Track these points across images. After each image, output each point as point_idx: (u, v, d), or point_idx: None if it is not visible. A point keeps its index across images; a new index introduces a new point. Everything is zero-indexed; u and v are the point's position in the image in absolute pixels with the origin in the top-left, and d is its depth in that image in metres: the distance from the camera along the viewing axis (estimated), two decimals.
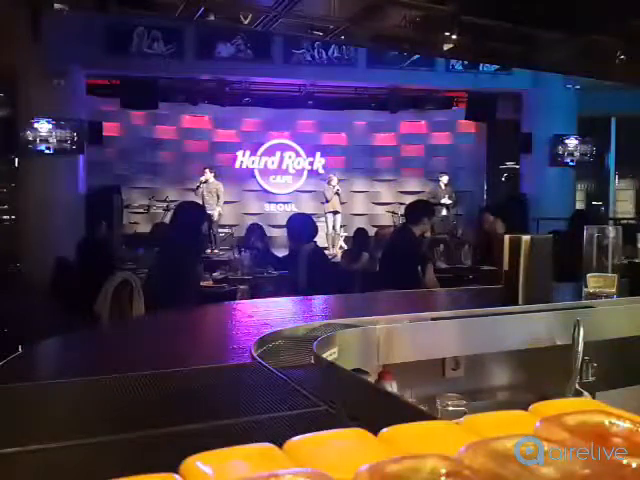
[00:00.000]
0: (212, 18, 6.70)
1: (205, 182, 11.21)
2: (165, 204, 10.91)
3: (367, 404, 0.86)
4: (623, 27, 6.48)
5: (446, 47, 7.11)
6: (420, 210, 4.93)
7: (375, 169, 13.43)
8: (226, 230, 11.79)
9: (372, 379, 1.48)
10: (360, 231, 7.68)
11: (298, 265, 4.50)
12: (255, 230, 7.01)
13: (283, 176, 13.17)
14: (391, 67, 10.86)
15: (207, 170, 11.29)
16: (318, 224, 12.48)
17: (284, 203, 13.07)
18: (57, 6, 6.85)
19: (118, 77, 10.54)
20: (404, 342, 1.55)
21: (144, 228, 10.97)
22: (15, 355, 1.23)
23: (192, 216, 4.24)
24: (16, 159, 9.93)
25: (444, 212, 11.15)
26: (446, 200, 11.15)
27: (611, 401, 0.65)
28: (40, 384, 0.97)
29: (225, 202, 11.62)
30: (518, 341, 1.71)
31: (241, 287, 5.87)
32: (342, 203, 12.04)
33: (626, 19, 6.22)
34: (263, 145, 13.03)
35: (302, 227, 4.66)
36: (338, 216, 11.80)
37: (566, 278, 2.46)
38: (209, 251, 10.04)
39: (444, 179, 11.66)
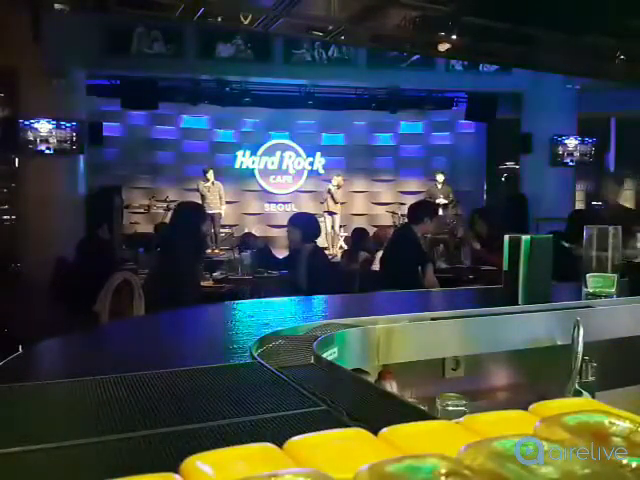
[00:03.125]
0: (212, 18, 6.70)
1: (212, 184, 11.23)
2: (165, 204, 10.91)
3: (367, 404, 0.86)
4: (623, 27, 6.48)
5: (446, 47, 7.12)
6: (422, 210, 4.93)
7: (375, 169, 13.42)
8: (226, 230, 11.79)
9: (372, 379, 1.49)
10: (359, 231, 7.68)
11: (299, 265, 4.50)
12: (250, 238, 7.14)
13: (283, 176, 13.17)
14: (391, 67, 10.86)
15: (211, 170, 11.31)
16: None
17: (284, 203, 13.07)
18: (57, 6, 6.85)
19: (118, 77, 10.54)
20: (404, 342, 1.55)
21: (144, 228, 10.98)
22: (15, 355, 1.23)
23: (192, 216, 4.25)
24: (16, 159, 9.93)
25: (440, 212, 11.11)
26: (441, 200, 11.12)
27: (611, 401, 0.65)
28: (40, 384, 0.97)
29: (225, 202, 11.63)
30: (518, 341, 1.71)
31: (242, 287, 5.87)
32: (342, 203, 12.04)
33: (626, 19, 6.22)
34: (263, 145, 13.03)
35: (306, 227, 4.64)
36: (336, 217, 11.81)
37: (566, 278, 2.45)
38: (209, 251, 10.05)
39: (439, 178, 11.64)
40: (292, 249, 4.98)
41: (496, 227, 5.86)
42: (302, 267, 4.45)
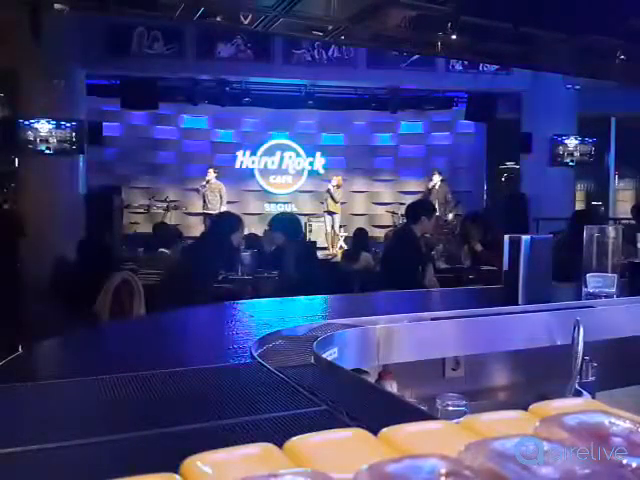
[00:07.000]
0: (212, 18, 6.70)
1: (207, 182, 11.23)
2: (165, 204, 10.90)
3: (367, 404, 0.86)
4: (623, 27, 6.48)
5: (445, 47, 7.12)
6: (420, 209, 4.93)
7: (375, 169, 13.42)
8: None
9: (372, 379, 1.49)
10: (360, 231, 7.68)
11: (286, 263, 4.51)
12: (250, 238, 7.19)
13: (283, 176, 13.17)
14: (391, 67, 10.85)
15: (211, 170, 11.30)
16: (318, 224, 12.39)
17: (284, 203, 13.07)
18: (57, 6, 6.85)
19: (118, 77, 10.54)
20: (404, 342, 1.55)
21: (144, 228, 10.97)
22: (15, 355, 1.23)
23: (226, 226, 4.31)
24: (16, 159, 9.92)
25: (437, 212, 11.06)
26: (436, 201, 11.06)
27: (611, 401, 0.65)
28: (40, 384, 0.97)
29: (226, 202, 11.63)
30: (518, 341, 1.71)
31: (242, 287, 5.87)
32: (342, 203, 12.03)
33: (626, 19, 6.22)
34: (263, 145, 13.04)
35: (287, 228, 4.65)
36: (336, 217, 11.81)
37: (566, 278, 2.45)
38: None
39: (435, 178, 11.62)
40: (275, 248, 4.97)
41: (492, 228, 5.84)
42: (291, 264, 4.46)
